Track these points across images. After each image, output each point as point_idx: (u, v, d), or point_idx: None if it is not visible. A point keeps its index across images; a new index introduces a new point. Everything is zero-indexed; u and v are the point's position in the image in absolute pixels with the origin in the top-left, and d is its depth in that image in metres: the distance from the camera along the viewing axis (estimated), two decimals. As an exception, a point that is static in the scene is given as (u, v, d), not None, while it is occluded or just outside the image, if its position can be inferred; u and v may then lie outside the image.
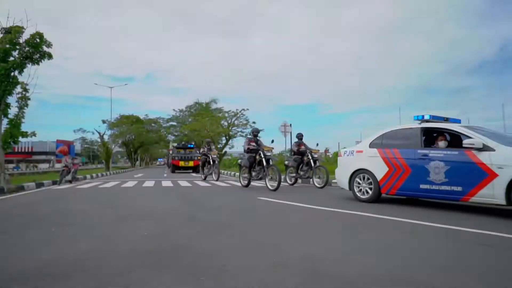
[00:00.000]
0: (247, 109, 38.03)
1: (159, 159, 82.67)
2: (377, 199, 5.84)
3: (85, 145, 76.92)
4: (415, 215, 4.59)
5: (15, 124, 10.74)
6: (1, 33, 10.70)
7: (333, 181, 8.92)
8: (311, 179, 9.74)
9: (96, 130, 38.90)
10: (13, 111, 10.92)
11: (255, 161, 9.03)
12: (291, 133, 15.70)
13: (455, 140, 5.36)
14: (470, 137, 4.65)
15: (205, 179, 13.24)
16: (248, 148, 9.25)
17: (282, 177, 8.74)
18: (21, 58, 10.71)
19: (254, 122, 32.58)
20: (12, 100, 10.90)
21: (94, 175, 17.87)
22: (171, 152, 28.69)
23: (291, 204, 5.87)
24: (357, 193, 6.10)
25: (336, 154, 19.16)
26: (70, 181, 12.54)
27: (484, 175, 4.39)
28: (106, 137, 34.33)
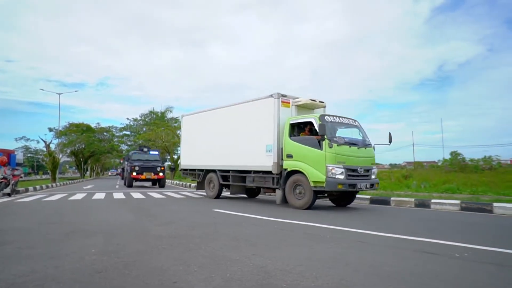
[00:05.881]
0: (205, 119, 37.73)
1: (111, 170, 78.75)
2: None
3: (29, 155, 71.18)
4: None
5: None
6: None
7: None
8: None
9: (41, 139, 36.11)
10: None
11: None
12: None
13: None
14: None
15: None
16: None
17: None
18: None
19: (212, 132, 32.29)
20: None
21: (38, 187, 16.57)
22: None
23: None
24: None
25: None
26: (9, 194, 11.52)
27: None
28: (53, 146, 32.07)
